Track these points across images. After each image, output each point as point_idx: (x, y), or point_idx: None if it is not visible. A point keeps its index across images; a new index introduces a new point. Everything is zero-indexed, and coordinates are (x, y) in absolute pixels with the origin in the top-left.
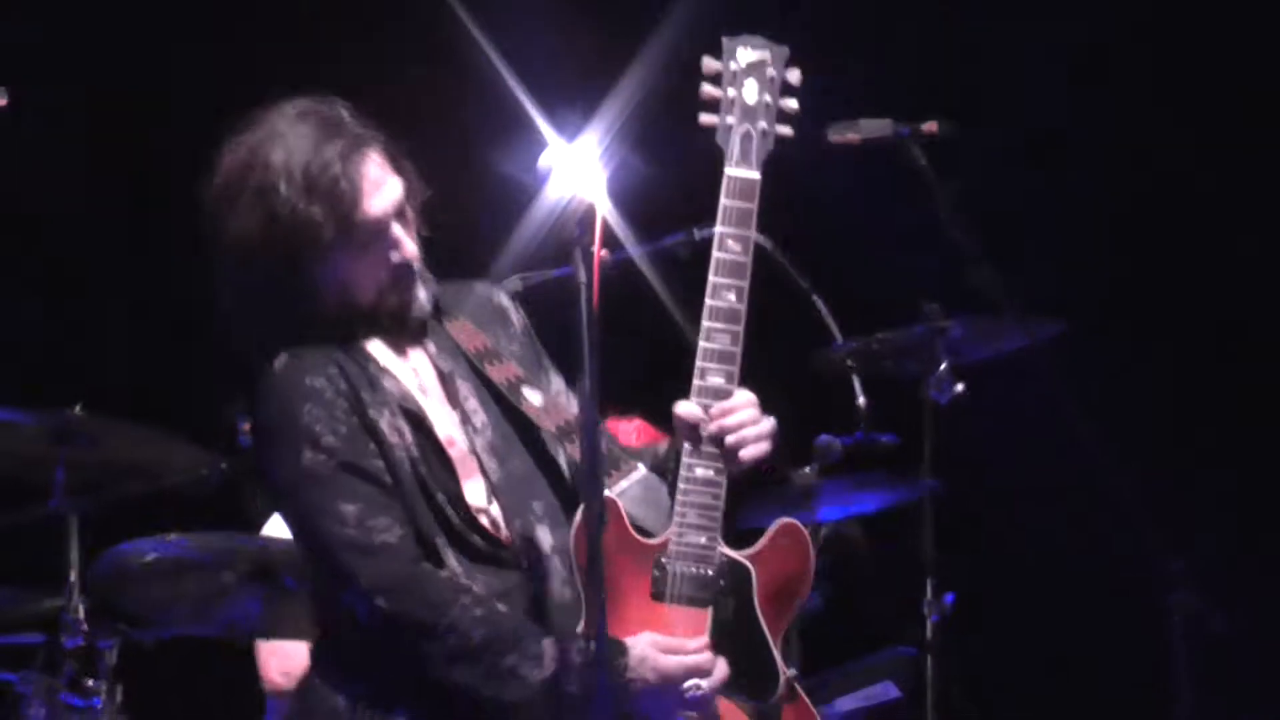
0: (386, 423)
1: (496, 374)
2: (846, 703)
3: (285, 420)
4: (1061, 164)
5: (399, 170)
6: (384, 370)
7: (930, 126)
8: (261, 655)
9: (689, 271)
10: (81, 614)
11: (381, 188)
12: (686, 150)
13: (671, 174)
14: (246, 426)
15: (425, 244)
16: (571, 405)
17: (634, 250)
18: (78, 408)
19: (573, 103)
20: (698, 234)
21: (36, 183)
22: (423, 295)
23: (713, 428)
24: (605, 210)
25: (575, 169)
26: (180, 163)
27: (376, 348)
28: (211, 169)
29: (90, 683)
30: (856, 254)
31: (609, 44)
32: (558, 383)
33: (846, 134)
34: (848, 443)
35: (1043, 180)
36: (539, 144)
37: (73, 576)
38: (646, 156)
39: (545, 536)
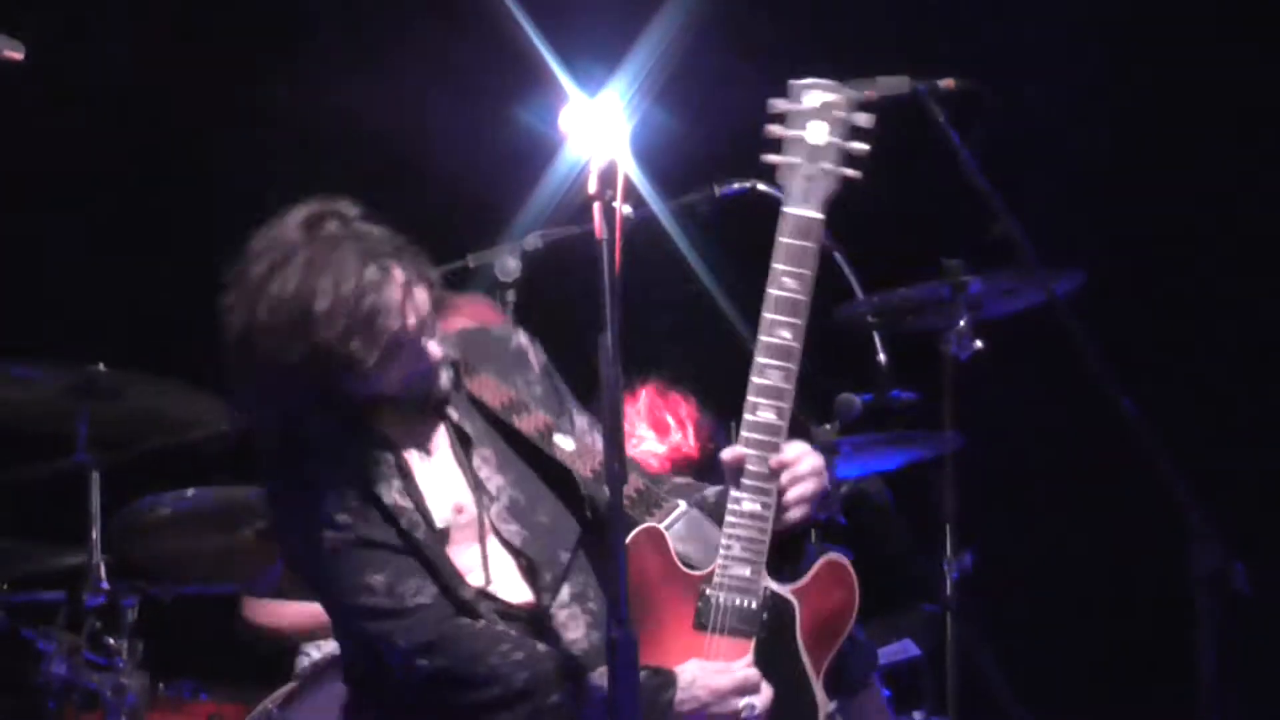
0: (394, 494)
1: (526, 425)
2: None
3: (294, 505)
4: (1080, 117)
5: (421, 276)
6: (390, 443)
7: (948, 83)
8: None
9: (712, 228)
10: (103, 571)
11: (411, 306)
12: (709, 106)
13: (694, 130)
14: None
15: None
16: (598, 444)
17: (655, 207)
18: (100, 364)
19: (596, 57)
20: (718, 190)
21: (61, 138)
22: (445, 378)
23: (781, 482)
24: (627, 166)
25: (597, 125)
26: (202, 119)
27: (387, 424)
28: (237, 280)
29: (111, 640)
30: (877, 210)
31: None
32: (581, 421)
33: (864, 91)
34: (868, 399)
35: (1061, 134)
36: (561, 99)
37: (94, 534)
38: (670, 112)
39: (564, 588)
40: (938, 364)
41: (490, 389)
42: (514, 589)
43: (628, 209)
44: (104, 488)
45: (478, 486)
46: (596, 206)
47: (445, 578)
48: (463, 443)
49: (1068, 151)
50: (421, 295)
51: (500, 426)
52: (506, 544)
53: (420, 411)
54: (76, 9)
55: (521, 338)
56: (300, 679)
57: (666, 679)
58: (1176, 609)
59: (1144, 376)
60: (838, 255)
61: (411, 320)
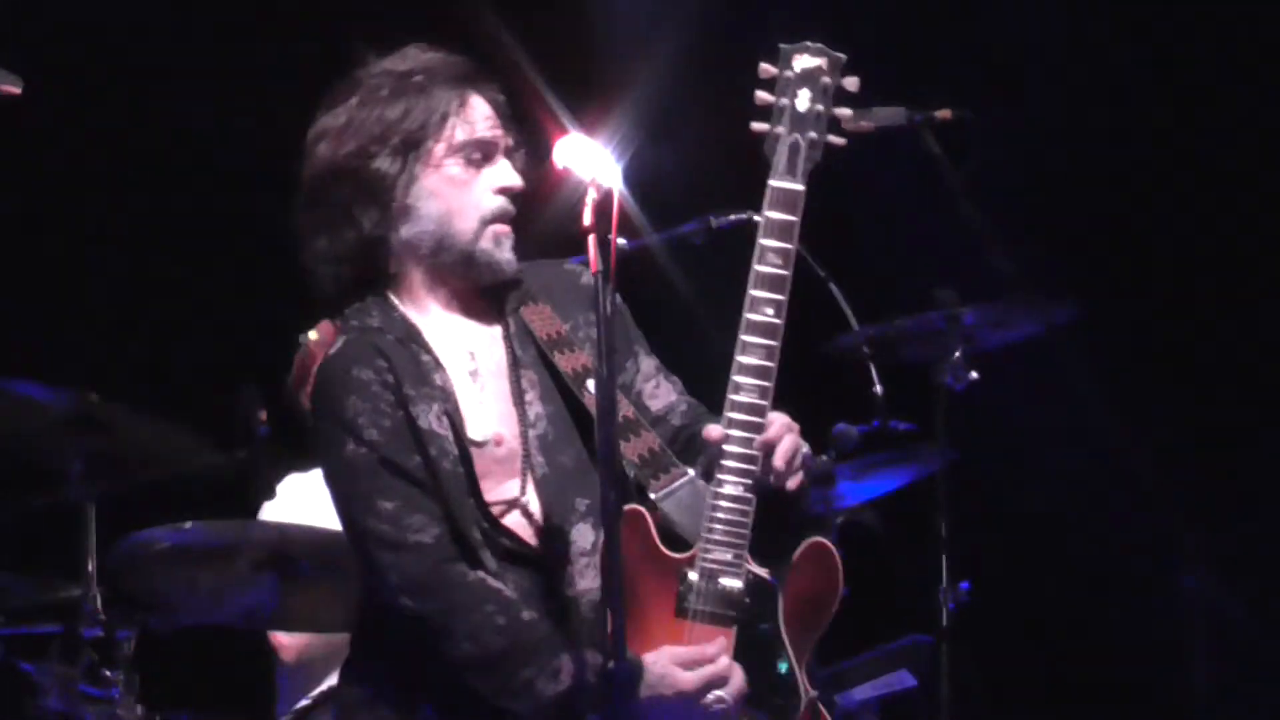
0: (430, 419)
1: (564, 363)
2: (862, 691)
3: (331, 408)
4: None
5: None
6: (438, 363)
7: (944, 113)
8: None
9: (705, 259)
10: (99, 604)
11: (492, 121)
12: (703, 139)
13: (688, 162)
14: (263, 416)
15: None
16: (654, 395)
17: (650, 238)
18: (94, 395)
19: (590, 92)
20: (714, 222)
21: (54, 169)
22: (510, 255)
23: (768, 464)
24: (621, 198)
25: (592, 158)
26: (202, 147)
27: (442, 328)
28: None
29: (108, 673)
30: (871, 241)
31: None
32: (647, 365)
33: (860, 122)
34: (864, 430)
35: (1056, 164)
36: (557, 133)
37: (90, 566)
38: (663, 146)
39: (585, 533)
40: (933, 394)
41: (542, 319)
42: (533, 529)
43: (622, 241)
44: (100, 520)
45: (521, 414)
46: (591, 240)
47: (460, 514)
48: (514, 364)
49: (1064, 181)
50: (496, 120)
51: (544, 359)
52: (533, 478)
53: (477, 307)
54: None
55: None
56: (302, 710)
57: (635, 671)
58: (1170, 635)
59: (1136, 405)
60: (832, 286)
61: (482, 124)
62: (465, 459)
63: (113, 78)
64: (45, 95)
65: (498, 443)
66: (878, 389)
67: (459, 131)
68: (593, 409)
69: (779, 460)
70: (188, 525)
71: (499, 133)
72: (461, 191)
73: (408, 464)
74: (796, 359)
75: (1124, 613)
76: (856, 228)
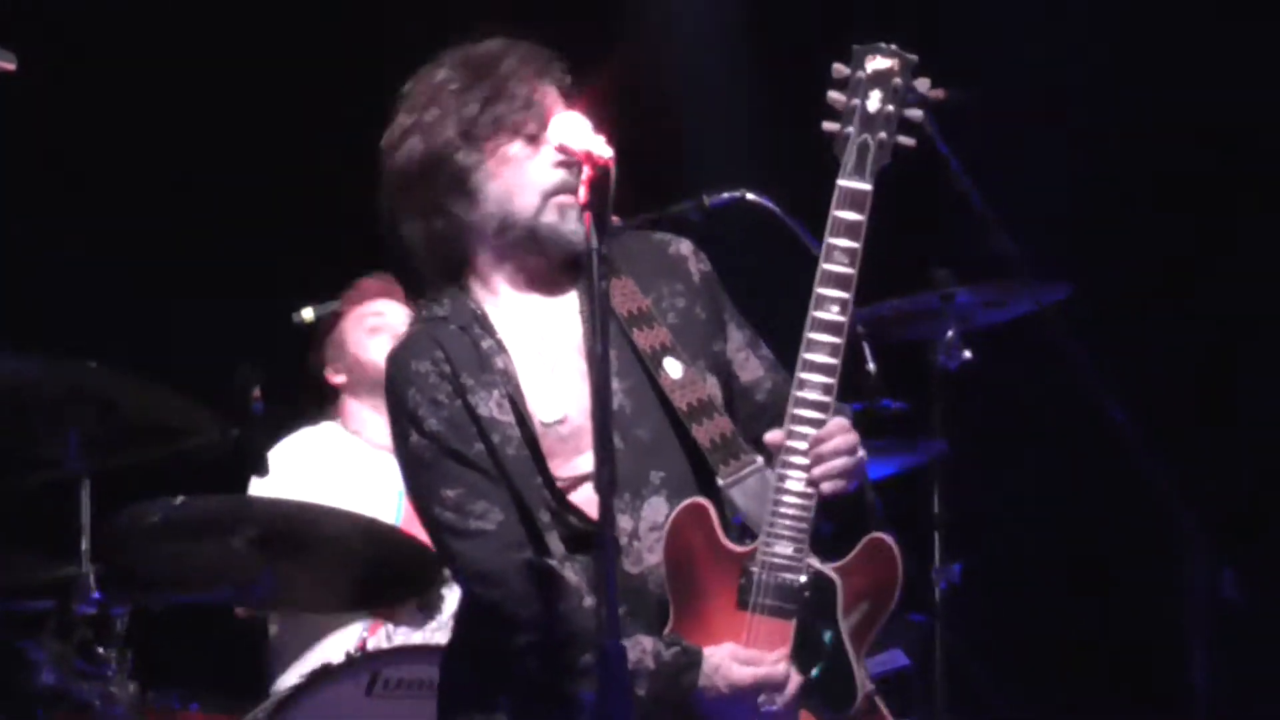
0: (490, 406)
1: (643, 339)
2: None
3: (395, 401)
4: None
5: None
6: (500, 346)
7: (938, 93)
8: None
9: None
10: (93, 580)
11: (555, 103)
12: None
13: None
14: (257, 393)
15: None
16: (744, 367)
17: (644, 216)
18: (92, 363)
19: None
20: (708, 200)
21: (64, 140)
22: (577, 228)
23: (811, 460)
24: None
25: (588, 135)
26: (204, 121)
27: (511, 310)
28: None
29: (102, 649)
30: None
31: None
32: (738, 337)
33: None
34: (858, 409)
35: (1051, 142)
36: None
37: (84, 543)
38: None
39: (658, 507)
40: (926, 374)
41: (624, 294)
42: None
43: (616, 219)
44: (94, 496)
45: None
46: (586, 216)
47: (528, 498)
48: (590, 337)
49: (1057, 159)
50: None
51: (624, 334)
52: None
53: (552, 282)
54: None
55: (684, 246)
56: (296, 688)
57: (693, 659)
58: (1167, 616)
59: (1133, 384)
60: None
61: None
62: (530, 442)
63: (114, 46)
64: (43, 64)
65: (563, 421)
66: (871, 367)
67: (531, 124)
68: (666, 390)
69: (824, 458)
70: (180, 500)
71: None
72: (520, 169)
73: (469, 452)
74: (792, 337)
75: (1121, 595)
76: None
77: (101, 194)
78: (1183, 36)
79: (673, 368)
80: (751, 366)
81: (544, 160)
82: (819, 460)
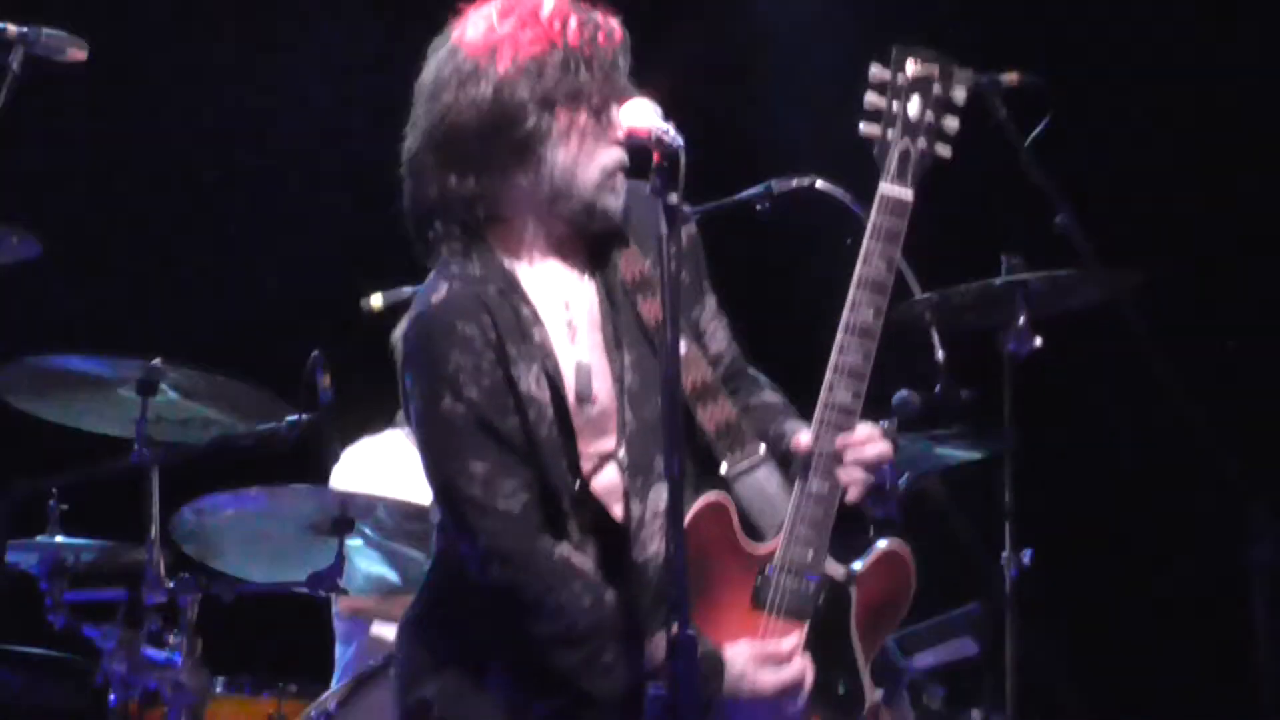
0: (530, 381)
1: (647, 309)
2: (925, 658)
3: (432, 360)
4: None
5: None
6: (537, 317)
7: (1011, 77)
8: None
9: (766, 226)
10: (162, 569)
11: (629, 88)
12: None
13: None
14: (326, 381)
15: None
16: (714, 337)
17: (712, 204)
18: (158, 359)
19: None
20: (776, 187)
21: (118, 137)
22: (621, 203)
23: (843, 464)
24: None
25: (658, 121)
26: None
27: (539, 278)
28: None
29: (170, 637)
30: (935, 206)
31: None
32: (711, 303)
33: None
34: (926, 397)
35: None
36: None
37: (153, 532)
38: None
39: (662, 494)
40: (996, 361)
41: (628, 260)
42: (621, 492)
43: (685, 207)
44: (164, 487)
45: (617, 367)
46: (658, 205)
47: (554, 480)
48: (613, 311)
49: (1128, 147)
50: (621, 78)
51: (630, 302)
52: (624, 433)
53: (579, 254)
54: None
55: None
56: (355, 681)
57: (716, 666)
58: (1236, 605)
59: (1203, 372)
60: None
61: (603, 79)
62: (564, 421)
63: (171, 44)
64: (104, 62)
65: (593, 400)
66: (940, 355)
67: (602, 98)
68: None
69: (849, 463)
70: (252, 491)
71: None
72: (587, 143)
73: (504, 426)
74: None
75: (1189, 583)
76: (920, 193)
77: (174, 181)
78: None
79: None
80: (719, 338)
81: (610, 137)
82: (850, 466)
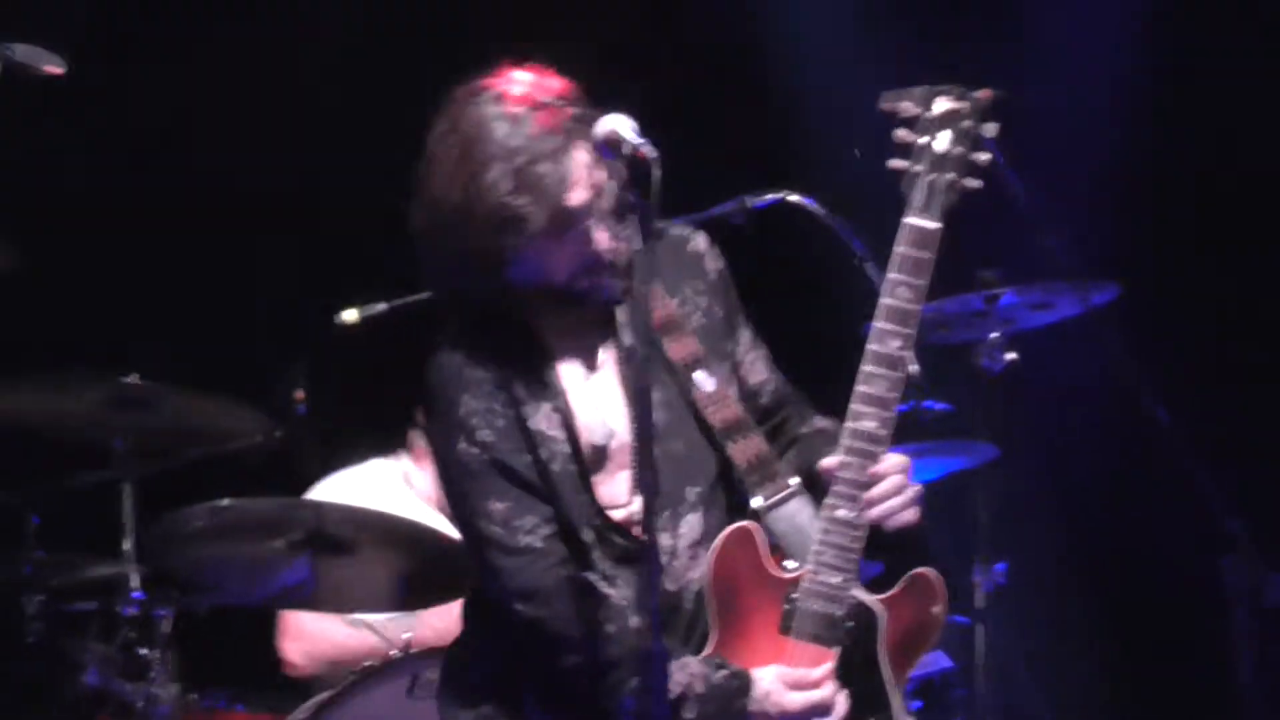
0: (541, 419)
1: (674, 351)
2: None
3: (445, 405)
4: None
5: (602, 161)
6: (551, 360)
7: (984, 93)
8: (285, 636)
9: (742, 240)
10: (137, 582)
11: (586, 182)
12: (736, 119)
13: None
14: (299, 395)
15: None
16: (752, 368)
17: (687, 218)
18: (135, 375)
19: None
20: (749, 202)
21: (95, 150)
22: (616, 284)
23: (866, 499)
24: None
25: (634, 134)
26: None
27: (554, 327)
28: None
29: (145, 650)
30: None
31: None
32: (745, 337)
33: (899, 102)
34: (901, 410)
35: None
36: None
37: (128, 544)
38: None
39: (694, 524)
40: (970, 376)
41: (654, 299)
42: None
43: (660, 222)
44: (138, 499)
45: (633, 405)
46: (632, 219)
47: (573, 515)
48: (626, 358)
49: (1101, 160)
50: (600, 176)
51: (655, 344)
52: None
53: (587, 319)
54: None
55: (700, 241)
56: (338, 689)
57: (743, 684)
58: (1211, 622)
59: (1179, 388)
60: (870, 267)
61: (583, 195)
62: (578, 458)
63: (153, 59)
64: (84, 77)
65: (610, 437)
66: (914, 369)
67: (574, 194)
68: (701, 403)
69: (877, 496)
70: (225, 503)
71: (600, 179)
72: (561, 242)
73: (519, 465)
74: (833, 339)
75: (1163, 593)
76: (894, 209)
77: (141, 194)
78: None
79: (704, 381)
80: (758, 369)
81: (584, 237)
82: (876, 501)
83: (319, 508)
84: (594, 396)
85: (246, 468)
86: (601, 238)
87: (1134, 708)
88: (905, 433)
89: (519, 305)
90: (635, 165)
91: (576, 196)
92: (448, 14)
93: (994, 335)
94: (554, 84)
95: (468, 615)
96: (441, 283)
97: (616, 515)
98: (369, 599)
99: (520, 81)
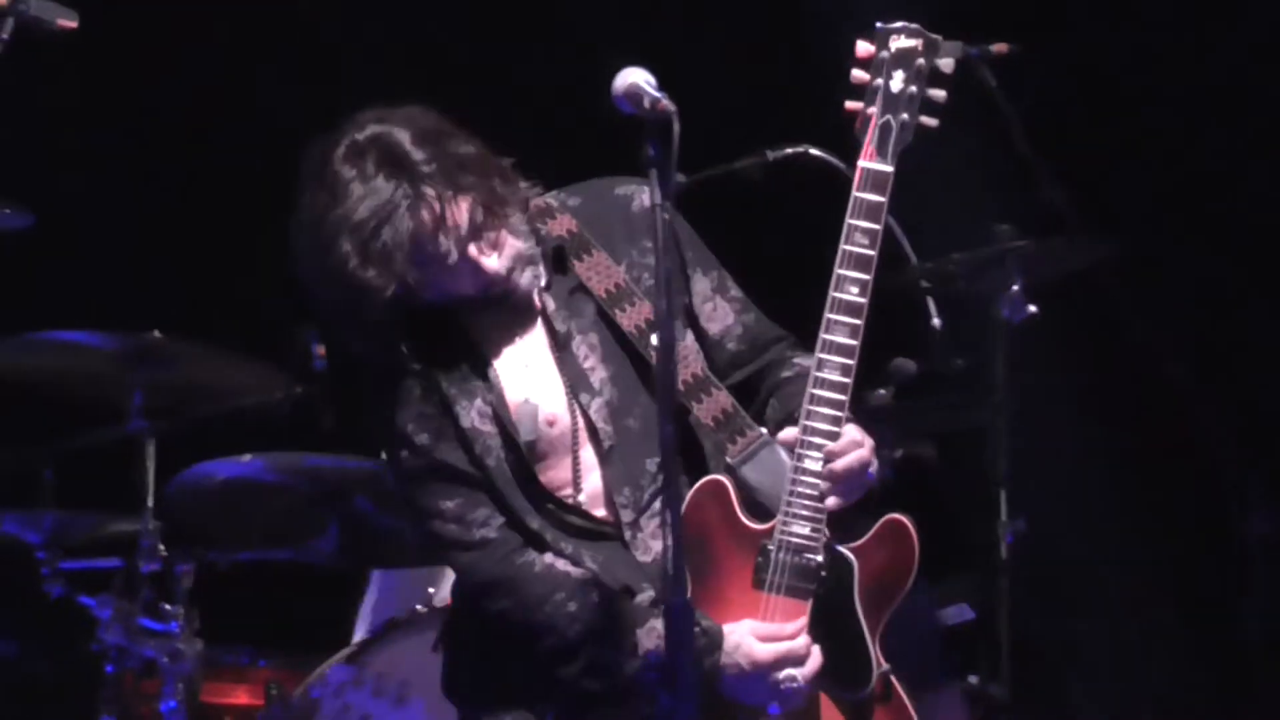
0: (474, 414)
1: (626, 320)
2: None
3: (382, 422)
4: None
5: (465, 189)
6: (483, 355)
7: (1000, 47)
8: None
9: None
10: (158, 538)
11: (439, 230)
12: (758, 71)
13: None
14: (320, 350)
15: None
16: (711, 317)
17: (706, 172)
18: (155, 331)
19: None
20: (771, 155)
21: (113, 110)
22: (526, 279)
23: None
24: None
25: (651, 90)
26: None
27: (483, 323)
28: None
29: (166, 606)
30: (929, 175)
31: None
32: (702, 285)
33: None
34: (922, 364)
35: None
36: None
37: (149, 500)
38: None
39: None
40: (991, 329)
41: (599, 272)
42: (603, 501)
43: (680, 175)
44: (159, 455)
45: (577, 387)
46: (652, 173)
47: (515, 505)
48: (559, 344)
49: (1118, 116)
50: (458, 216)
51: (604, 316)
52: (599, 449)
53: (514, 309)
54: None
55: (647, 196)
56: (364, 642)
57: (713, 640)
58: (1230, 573)
59: (1198, 342)
60: (890, 220)
61: (439, 245)
62: (511, 449)
63: (176, 20)
64: (101, 36)
65: (550, 423)
66: (936, 322)
67: (432, 246)
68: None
69: (833, 476)
70: (246, 458)
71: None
72: (446, 281)
73: (460, 463)
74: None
75: (1183, 548)
76: (911, 162)
77: (161, 152)
78: None
79: None
80: (720, 314)
81: (469, 270)
82: (831, 477)
83: (340, 466)
84: (530, 386)
85: (267, 423)
86: (488, 261)
87: (1150, 661)
88: (926, 385)
89: (444, 316)
90: (655, 119)
91: (437, 247)
92: None
93: (1015, 287)
94: (419, 127)
95: (455, 594)
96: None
97: (571, 497)
98: (391, 554)
99: (371, 134)
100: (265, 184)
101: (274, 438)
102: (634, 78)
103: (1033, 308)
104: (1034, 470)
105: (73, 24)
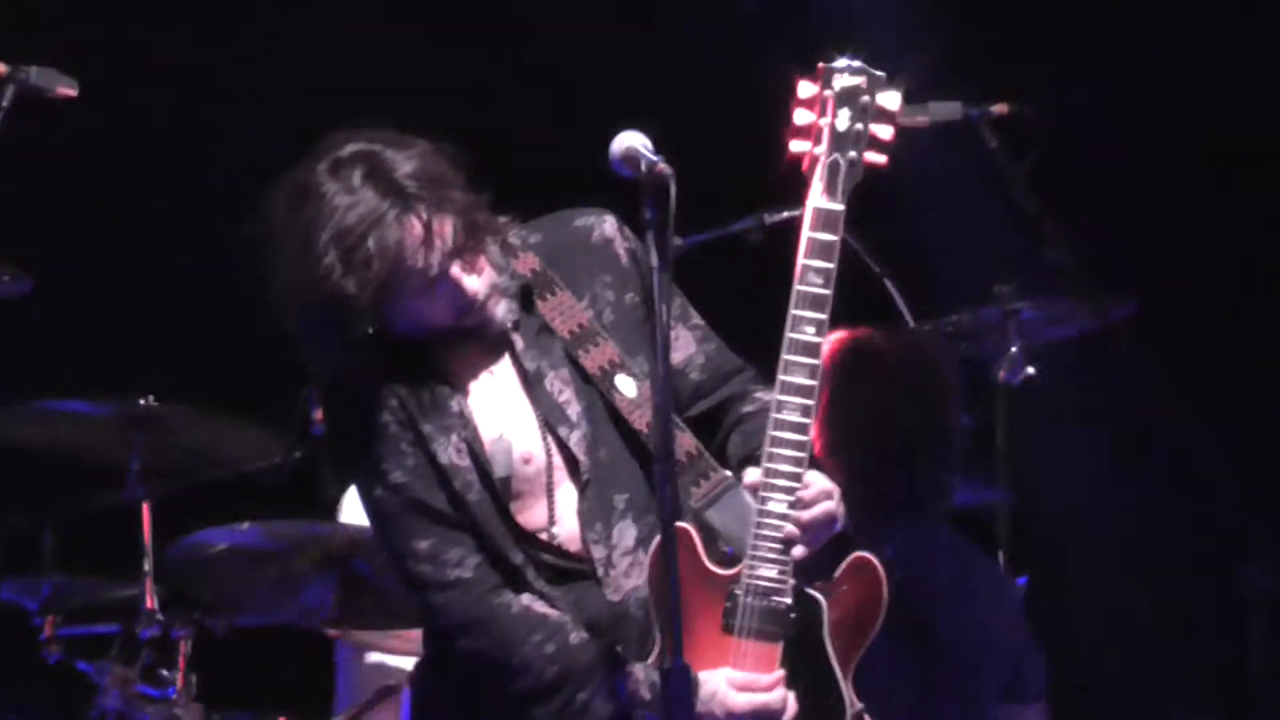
0: (450, 453)
1: (589, 362)
2: None
3: (356, 457)
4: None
5: (450, 207)
6: (456, 390)
7: (1000, 108)
8: None
9: (758, 257)
10: (156, 603)
11: (424, 244)
12: (754, 135)
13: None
14: (319, 415)
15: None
16: (673, 347)
17: (703, 235)
18: (150, 397)
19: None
20: (767, 219)
21: (108, 173)
22: (501, 309)
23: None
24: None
25: (647, 153)
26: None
27: (455, 358)
28: (264, 206)
29: (165, 672)
30: (928, 236)
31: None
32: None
33: (915, 117)
34: None
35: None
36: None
37: (147, 566)
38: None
39: (627, 531)
40: (989, 390)
41: (563, 313)
42: (579, 538)
43: (677, 239)
44: (157, 521)
45: (554, 421)
46: (649, 235)
47: (495, 542)
48: (530, 382)
49: (1119, 175)
50: (443, 231)
51: (569, 357)
52: (577, 482)
53: (486, 346)
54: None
55: (607, 227)
56: (359, 708)
57: (689, 688)
58: (1230, 627)
59: (1200, 396)
60: (888, 281)
61: (422, 259)
62: (489, 484)
63: (164, 82)
64: (98, 98)
65: (525, 460)
66: None
67: (428, 267)
68: (624, 411)
69: (801, 526)
70: (245, 526)
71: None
72: (423, 304)
73: (436, 502)
74: None
75: (1184, 603)
76: (912, 223)
77: (156, 219)
78: None
79: (626, 386)
80: (683, 343)
81: (450, 290)
82: (799, 526)
83: (338, 529)
84: (504, 422)
85: (265, 489)
86: (469, 282)
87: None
88: None
89: (418, 350)
90: (653, 182)
91: (417, 262)
92: None
93: (1014, 349)
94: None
95: (427, 637)
96: (323, 360)
97: (545, 535)
98: (388, 619)
99: (354, 151)
100: (261, 248)
101: (272, 501)
102: (631, 141)
103: (1031, 369)
104: (1035, 532)
105: (73, 92)
